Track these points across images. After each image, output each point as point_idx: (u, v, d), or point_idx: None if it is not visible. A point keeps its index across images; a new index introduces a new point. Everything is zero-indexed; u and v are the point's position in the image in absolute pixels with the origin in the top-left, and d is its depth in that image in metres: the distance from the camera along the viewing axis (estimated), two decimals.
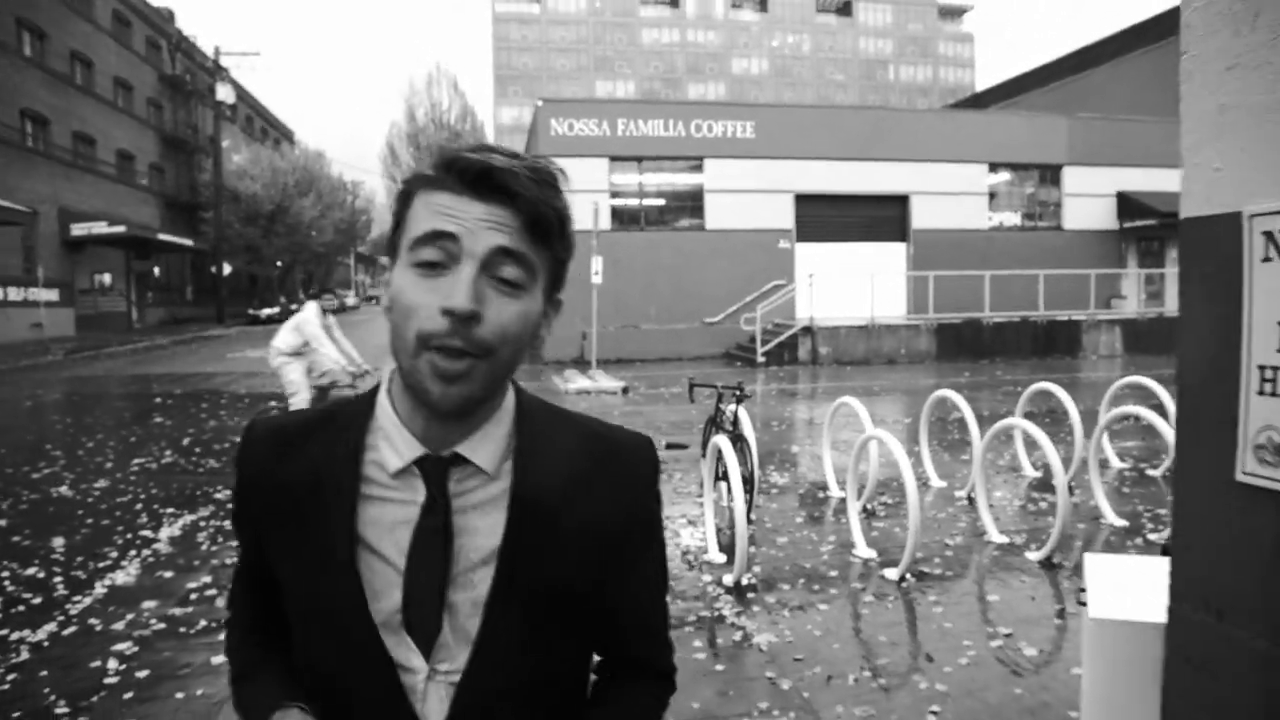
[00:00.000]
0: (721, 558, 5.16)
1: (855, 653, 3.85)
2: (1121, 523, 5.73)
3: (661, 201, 20.36)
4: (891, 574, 4.80)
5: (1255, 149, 1.31)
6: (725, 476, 5.47)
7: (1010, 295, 19.90)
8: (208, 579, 4.84)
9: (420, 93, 43.00)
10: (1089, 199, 22.49)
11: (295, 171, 39.83)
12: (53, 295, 24.83)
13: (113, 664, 3.72)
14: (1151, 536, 5.47)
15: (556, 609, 0.93)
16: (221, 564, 5.09)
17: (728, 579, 4.74)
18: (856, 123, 21.72)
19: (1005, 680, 3.53)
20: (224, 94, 36.27)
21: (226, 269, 36.10)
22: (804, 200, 20.67)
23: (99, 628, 4.13)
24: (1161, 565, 1.68)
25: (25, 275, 24.04)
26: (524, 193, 0.83)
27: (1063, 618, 4.21)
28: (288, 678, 0.99)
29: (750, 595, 4.56)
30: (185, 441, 9.22)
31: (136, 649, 3.88)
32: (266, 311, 36.00)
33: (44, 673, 3.62)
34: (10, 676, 3.58)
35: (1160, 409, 6.12)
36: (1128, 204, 22.19)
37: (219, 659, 3.67)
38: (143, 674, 3.62)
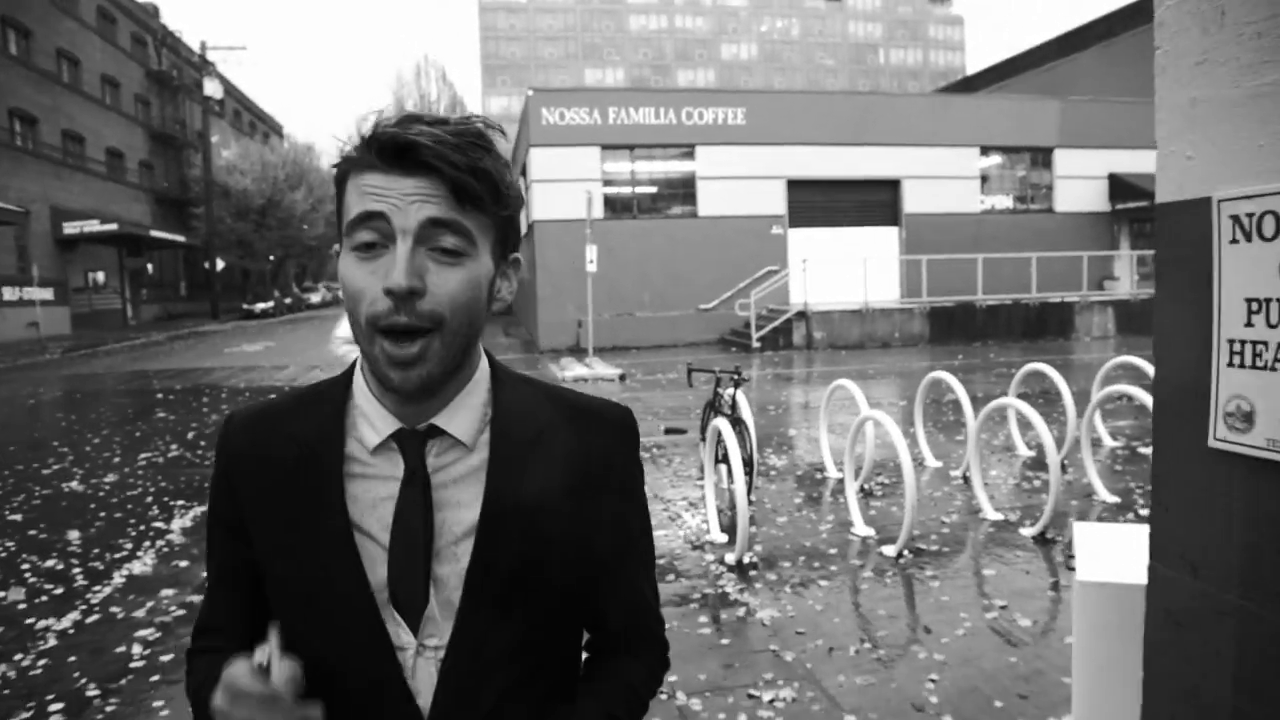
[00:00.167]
0: (723, 538, 5.28)
1: (855, 626, 3.98)
2: (1114, 499, 5.88)
3: (654, 189, 20.41)
4: (889, 551, 4.93)
5: (1223, 139, 1.42)
6: (725, 459, 5.60)
7: (1003, 278, 20.04)
8: None
9: (409, 84, 42.95)
10: (1080, 181, 22.61)
11: (285, 165, 39.70)
12: (47, 294, 24.84)
13: (137, 649, 3.84)
14: (1143, 512, 5.61)
15: (539, 581, 0.92)
16: None
17: (730, 558, 4.87)
18: (847, 108, 21.78)
19: (1001, 649, 3.66)
20: (211, 89, 36.14)
21: (219, 264, 36.01)
22: (796, 186, 20.74)
23: (121, 615, 4.25)
24: (1146, 532, 1.80)
25: (20, 274, 24.05)
26: (444, 163, 0.81)
27: (1056, 590, 4.35)
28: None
29: (752, 573, 4.69)
30: (190, 435, 9.32)
31: (159, 634, 4.00)
32: (260, 306, 35.97)
33: (72, 658, 3.74)
34: (41, 662, 3.70)
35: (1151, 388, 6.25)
36: (1119, 186, 22.31)
37: None
38: (167, 658, 3.74)
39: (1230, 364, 1.41)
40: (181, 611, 4.28)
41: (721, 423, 5.26)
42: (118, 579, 4.80)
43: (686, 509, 6.00)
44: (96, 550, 5.31)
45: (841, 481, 6.33)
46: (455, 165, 0.81)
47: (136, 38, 35.88)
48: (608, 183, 19.87)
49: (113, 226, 27.00)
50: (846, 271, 19.07)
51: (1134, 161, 21.71)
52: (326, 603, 0.89)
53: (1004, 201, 22.70)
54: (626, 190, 20.18)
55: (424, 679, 0.89)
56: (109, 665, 3.68)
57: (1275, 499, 1.34)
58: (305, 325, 30.17)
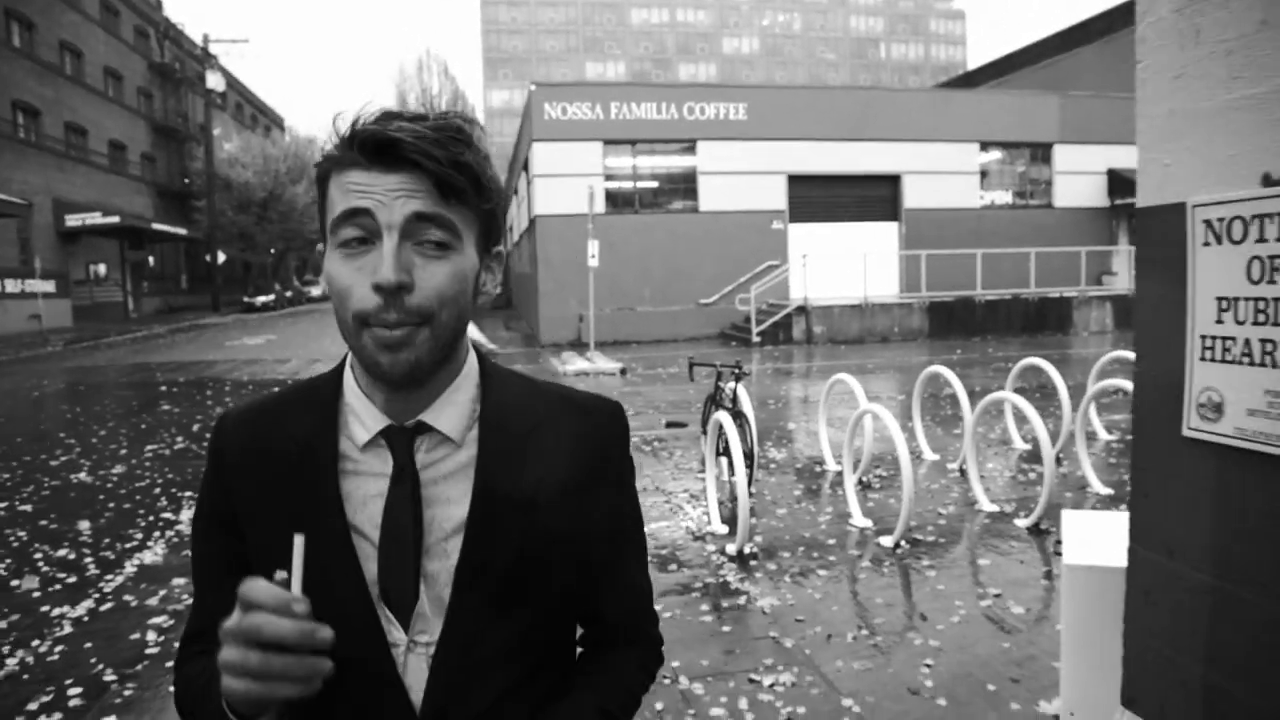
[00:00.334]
0: (724, 529, 5.38)
1: (853, 613, 4.08)
2: (1107, 491, 5.97)
3: (655, 184, 20.49)
4: (887, 541, 5.03)
5: (1198, 148, 1.51)
6: (726, 451, 5.69)
7: (1002, 273, 20.14)
8: None
9: (411, 78, 42.78)
10: (1080, 176, 22.68)
11: (287, 158, 39.68)
12: (49, 286, 24.89)
13: (151, 635, 3.94)
14: None
15: (529, 576, 0.92)
16: None
17: (730, 548, 4.97)
18: (848, 103, 21.83)
19: (995, 636, 3.77)
20: (214, 82, 36.08)
21: (220, 257, 36.05)
22: (796, 181, 20.82)
23: (134, 603, 4.35)
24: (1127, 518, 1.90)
25: (22, 267, 24.09)
26: (426, 158, 0.82)
27: (1049, 579, 4.45)
28: None
29: (752, 563, 4.79)
30: (195, 428, 9.41)
31: (172, 622, 4.10)
32: (261, 299, 36.01)
33: (88, 645, 3.84)
34: (58, 649, 3.80)
35: None
36: (1118, 181, 22.38)
37: None
38: None
39: (1203, 358, 1.50)
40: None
41: (723, 416, 5.35)
42: (129, 568, 4.90)
43: (688, 501, 6.10)
44: (107, 540, 5.41)
45: (840, 474, 6.43)
46: (438, 160, 0.82)
47: (139, 30, 35.89)
48: (609, 177, 19.94)
49: (115, 219, 27.06)
50: (846, 266, 19.16)
51: (1133, 157, 20.72)
52: (322, 599, 0.84)
53: (1004, 197, 22.78)
54: (628, 185, 20.25)
55: (416, 675, 0.89)
56: (124, 651, 3.77)
57: (1243, 483, 1.43)
58: (306, 319, 30.26)
